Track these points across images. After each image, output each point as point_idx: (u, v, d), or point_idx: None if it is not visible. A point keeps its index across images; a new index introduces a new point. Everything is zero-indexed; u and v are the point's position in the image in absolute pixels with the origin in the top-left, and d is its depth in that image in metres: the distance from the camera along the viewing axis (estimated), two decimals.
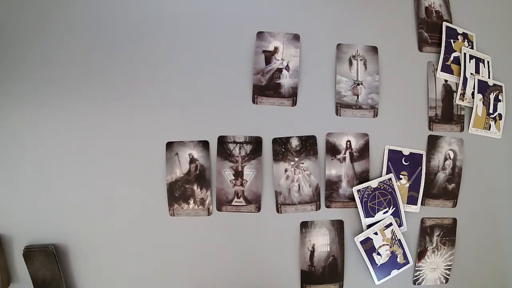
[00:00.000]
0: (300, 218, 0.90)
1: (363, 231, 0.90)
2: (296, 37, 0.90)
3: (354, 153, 0.91)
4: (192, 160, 0.87)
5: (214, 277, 0.89)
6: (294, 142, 0.89)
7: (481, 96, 0.95)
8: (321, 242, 0.90)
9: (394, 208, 0.91)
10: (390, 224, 0.90)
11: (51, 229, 0.85)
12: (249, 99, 0.89)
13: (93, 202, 0.86)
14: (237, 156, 0.88)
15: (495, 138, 0.98)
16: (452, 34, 0.96)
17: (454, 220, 0.95)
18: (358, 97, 0.91)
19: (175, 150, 0.87)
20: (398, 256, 0.91)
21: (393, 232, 0.90)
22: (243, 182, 0.88)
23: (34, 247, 0.83)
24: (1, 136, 0.84)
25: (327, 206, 0.90)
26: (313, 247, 0.90)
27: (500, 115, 0.97)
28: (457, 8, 0.98)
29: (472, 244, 0.97)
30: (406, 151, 0.93)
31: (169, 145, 0.87)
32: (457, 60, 0.96)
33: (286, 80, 0.89)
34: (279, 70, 0.89)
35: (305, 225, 0.90)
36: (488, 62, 0.98)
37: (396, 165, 0.92)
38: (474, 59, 0.96)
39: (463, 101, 0.95)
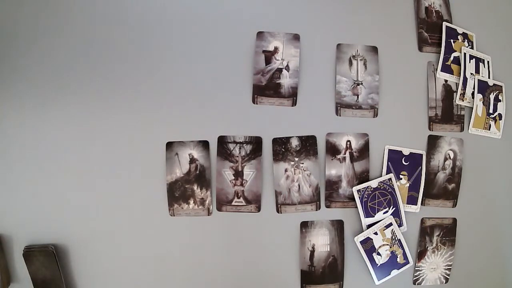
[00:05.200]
0: (300, 218, 0.90)
1: (363, 231, 0.90)
2: (296, 37, 0.90)
3: (354, 153, 0.91)
4: (192, 160, 0.87)
5: (214, 277, 0.89)
6: (294, 142, 0.89)
7: (481, 96, 0.95)
8: (321, 242, 0.90)
9: (394, 208, 0.91)
10: (390, 224, 0.90)
11: (51, 229, 0.85)
12: (249, 99, 0.89)
13: (93, 202, 0.86)
14: (237, 156, 0.88)
15: (495, 138, 0.97)
16: (452, 34, 0.96)
17: (454, 220, 0.95)
18: (358, 97, 0.91)
19: (175, 150, 0.87)
20: (398, 256, 0.91)
21: (393, 232, 0.90)
22: (243, 182, 0.88)
23: (34, 247, 0.83)
24: (1, 136, 0.84)
25: (327, 206, 0.90)
26: (313, 247, 0.90)
27: (500, 115, 0.97)
28: (457, 8, 0.98)
29: (472, 244, 0.97)
30: (406, 151, 0.93)
31: (169, 145, 0.87)
32: (457, 60, 0.96)
33: (286, 80, 0.89)
34: (279, 70, 0.89)
35: (305, 225, 0.90)
36: (488, 62, 0.98)
37: (396, 165, 0.92)
38: (474, 59, 0.96)
39: (463, 101, 0.95)
